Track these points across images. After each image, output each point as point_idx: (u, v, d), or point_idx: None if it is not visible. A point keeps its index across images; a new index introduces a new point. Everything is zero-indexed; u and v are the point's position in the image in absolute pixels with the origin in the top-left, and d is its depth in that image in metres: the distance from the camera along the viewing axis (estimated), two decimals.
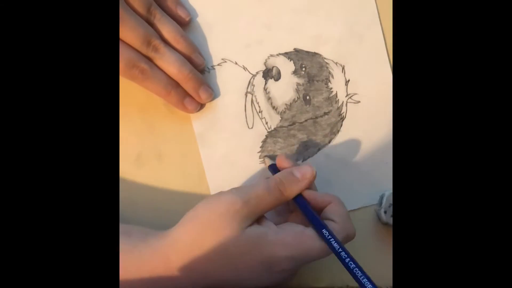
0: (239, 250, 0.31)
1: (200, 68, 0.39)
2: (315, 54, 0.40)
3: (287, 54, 0.40)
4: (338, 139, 0.40)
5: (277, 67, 0.40)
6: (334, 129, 0.40)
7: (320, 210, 0.34)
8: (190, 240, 0.32)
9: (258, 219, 0.33)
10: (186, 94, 0.39)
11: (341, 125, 0.40)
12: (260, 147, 0.40)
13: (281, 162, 0.36)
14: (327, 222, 0.33)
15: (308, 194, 0.34)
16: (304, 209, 0.34)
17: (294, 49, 0.40)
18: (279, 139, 0.40)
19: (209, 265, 0.32)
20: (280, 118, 0.40)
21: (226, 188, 0.39)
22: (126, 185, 0.39)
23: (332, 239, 0.32)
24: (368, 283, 0.30)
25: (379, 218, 0.39)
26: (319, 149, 0.40)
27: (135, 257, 0.32)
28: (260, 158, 0.40)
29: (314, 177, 0.34)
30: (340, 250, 0.31)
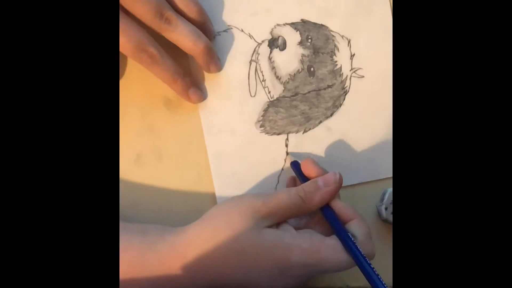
0: (254, 250, 0.31)
1: (211, 38, 0.39)
2: (322, 26, 0.40)
3: (293, 25, 0.40)
4: (340, 112, 0.40)
5: (283, 37, 0.40)
6: (337, 103, 0.40)
7: (343, 223, 0.34)
8: (207, 237, 0.32)
9: (278, 224, 0.33)
10: (191, 84, 0.38)
11: (344, 99, 0.40)
12: (262, 116, 0.40)
13: (306, 167, 0.36)
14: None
15: (334, 205, 0.34)
16: (330, 218, 0.34)
17: (301, 20, 0.40)
18: (281, 109, 0.40)
19: (224, 266, 0.32)
20: (283, 88, 0.40)
21: (224, 155, 0.39)
22: (126, 185, 0.39)
23: (357, 252, 0.31)
24: None
25: (379, 214, 0.38)
26: (320, 122, 0.40)
27: (153, 254, 0.32)
28: (260, 127, 0.40)
29: (339, 184, 0.34)
30: (365, 263, 0.31)
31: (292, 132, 0.40)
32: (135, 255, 0.32)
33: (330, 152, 0.40)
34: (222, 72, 0.40)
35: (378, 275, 0.31)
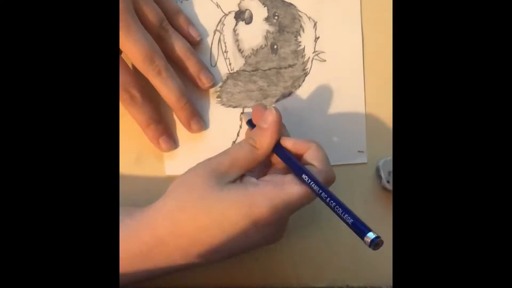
0: (221, 207, 0.31)
1: (207, 85, 0.39)
2: (290, 5, 0.40)
3: (262, 0, 0.40)
4: (298, 93, 0.40)
5: (250, 11, 0.40)
6: (296, 83, 0.40)
7: (300, 156, 0.34)
8: (174, 205, 0.32)
9: (241, 178, 0.33)
10: (163, 132, 0.38)
11: (303, 80, 0.40)
12: (219, 87, 0.40)
13: (256, 112, 0.36)
14: (307, 167, 0.33)
15: (286, 142, 0.34)
16: (282, 155, 0.34)
17: None
18: (239, 83, 0.40)
19: (195, 228, 0.31)
20: (244, 62, 0.40)
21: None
22: (126, 185, 0.39)
23: (312, 181, 0.31)
24: (350, 218, 0.30)
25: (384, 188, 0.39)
26: (277, 100, 0.40)
27: (121, 232, 0.32)
28: (217, 98, 0.40)
29: (279, 119, 0.34)
30: (320, 191, 0.31)
31: (248, 107, 0.40)
32: None
33: (282, 131, 0.40)
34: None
35: (334, 197, 0.31)
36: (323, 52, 0.40)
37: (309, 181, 0.31)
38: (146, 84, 0.37)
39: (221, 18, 0.40)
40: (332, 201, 0.30)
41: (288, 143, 0.34)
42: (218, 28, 0.40)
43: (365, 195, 0.40)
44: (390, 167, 0.38)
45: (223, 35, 0.40)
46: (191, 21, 0.39)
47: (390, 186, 0.38)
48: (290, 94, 0.40)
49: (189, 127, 0.39)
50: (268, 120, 0.34)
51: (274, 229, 0.33)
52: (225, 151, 0.34)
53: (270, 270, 0.40)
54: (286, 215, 0.33)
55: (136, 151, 0.40)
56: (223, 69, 0.40)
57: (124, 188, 0.38)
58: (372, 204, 0.40)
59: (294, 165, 0.33)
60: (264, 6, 0.40)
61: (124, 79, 0.35)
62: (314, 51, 0.40)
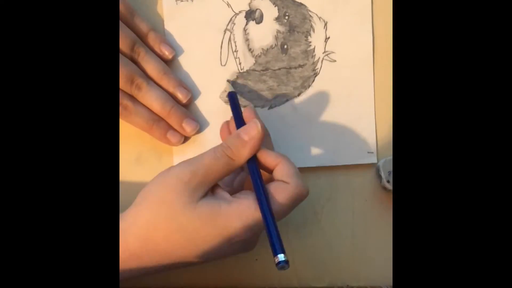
0: (194, 226, 0.31)
1: (185, 101, 0.39)
2: (300, 4, 0.40)
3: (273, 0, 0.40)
4: (308, 93, 0.40)
5: (260, 10, 0.40)
6: (306, 83, 0.40)
7: (270, 170, 0.34)
8: (145, 222, 0.31)
9: (212, 189, 0.33)
10: (168, 127, 0.39)
11: (313, 80, 0.40)
12: (230, 85, 0.40)
13: (246, 112, 0.35)
14: (277, 184, 0.32)
15: (260, 155, 0.33)
16: (252, 170, 0.33)
17: None
18: (249, 82, 0.40)
19: (168, 245, 0.31)
20: (254, 62, 0.40)
21: None
22: (126, 185, 0.39)
23: (261, 204, 0.31)
24: (278, 251, 0.30)
25: (384, 188, 0.39)
26: (287, 100, 0.40)
27: None
28: (227, 97, 0.40)
29: (261, 135, 0.33)
30: (270, 224, 0.30)
31: (258, 106, 0.40)
32: None
33: (293, 131, 0.40)
34: (195, 37, 0.39)
35: (279, 236, 0.30)
36: (333, 52, 0.40)
37: (260, 203, 0.31)
38: None
39: (231, 17, 0.40)
40: (268, 225, 0.30)
41: (262, 156, 0.33)
42: (229, 27, 0.40)
43: (366, 195, 0.40)
44: (390, 167, 0.38)
45: (233, 35, 0.40)
46: (164, 38, 0.39)
47: (390, 186, 0.38)
48: (300, 94, 0.40)
49: (183, 130, 0.39)
50: (251, 134, 0.33)
51: (247, 243, 0.33)
52: (199, 158, 0.32)
53: (270, 270, 0.40)
54: (259, 231, 0.33)
55: (136, 151, 0.40)
56: (233, 68, 0.40)
57: (124, 188, 0.38)
58: (372, 204, 0.40)
59: (256, 185, 0.32)
60: (275, 6, 0.40)
61: None
62: (324, 51, 0.40)
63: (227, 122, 0.37)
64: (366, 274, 0.39)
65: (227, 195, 0.32)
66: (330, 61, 0.40)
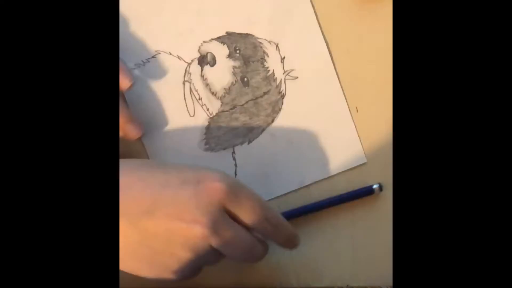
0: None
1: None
2: (247, 35, 0.40)
3: (219, 39, 0.40)
4: (281, 117, 0.40)
5: (211, 53, 0.40)
6: (276, 108, 0.40)
7: None
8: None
9: None
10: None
11: (282, 103, 0.40)
12: (204, 134, 0.40)
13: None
14: None
15: None
16: None
17: (226, 32, 0.40)
18: (222, 124, 0.40)
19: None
20: (220, 103, 0.40)
21: None
22: None
23: None
24: None
25: None
26: (263, 130, 0.40)
27: None
28: (205, 145, 0.40)
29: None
30: None
31: (237, 145, 0.40)
32: None
33: (277, 158, 0.40)
34: (157, 99, 0.40)
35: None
36: (293, 69, 0.40)
37: None
38: None
39: (186, 68, 0.40)
40: None
41: None
42: (186, 78, 0.40)
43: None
44: None
45: (193, 84, 0.40)
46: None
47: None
48: (273, 120, 0.40)
49: (124, 134, 0.38)
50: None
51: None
52: None
53: (270, 270, 0.40)
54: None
55: None
56: (202, 116, 0.40)
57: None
58: (372, 203, 0.40)
59: None
60: (224, 44, 0.40)
61: None
62: (284, 72, 0.40)
63: None
64: (366, 274, 0.39)
65: None
66: (292, 78, 0.40)
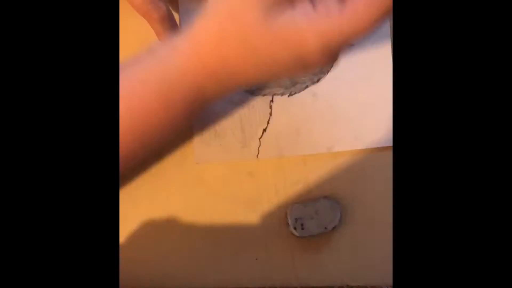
0: (269, 49, 0.27)
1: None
2: None
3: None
4: (327, 79, 0.40)
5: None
6: (324, 69, 0.40)
7: None
8: (212, 36, 0.28)
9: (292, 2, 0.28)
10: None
11: (332, 65, 0.40)
12: None
13: None
14: None
15: None
16: None
17: None
18: None
19: (240, 65, 0.29)
20: None
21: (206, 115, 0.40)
22: (127, 185, 0.40)
23: None
24: None
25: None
26: (306, 87, 0.40)
27: (154, 60, 0.30)
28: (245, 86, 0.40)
29: None
30: None
31: (278, 95, 0.40)
32: (139, 66, 0.30)
33: (312, 118, 0.40)
34: None
35: None
36: None
37: None
38: None
39: None
40: None
41: None
42: None
43: (367, 192, 0.39)
44: (297, 214, 0.38)
45: None
46: None
47: (297, 233, 0.38)
48: (319, 80, 0.40)
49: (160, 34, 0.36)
50: None
51: (324, 64, 0.29)
52: None
53: (270, 270, 0.39)
54: (339, 50, 0.29)
55: None
56: None
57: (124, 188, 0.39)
58: (372, 203, 0.39)
59: None
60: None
61: None
62: None
63: None
64: (366, 274, 0.38)
65: (308, 5, 0.27)
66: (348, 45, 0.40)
